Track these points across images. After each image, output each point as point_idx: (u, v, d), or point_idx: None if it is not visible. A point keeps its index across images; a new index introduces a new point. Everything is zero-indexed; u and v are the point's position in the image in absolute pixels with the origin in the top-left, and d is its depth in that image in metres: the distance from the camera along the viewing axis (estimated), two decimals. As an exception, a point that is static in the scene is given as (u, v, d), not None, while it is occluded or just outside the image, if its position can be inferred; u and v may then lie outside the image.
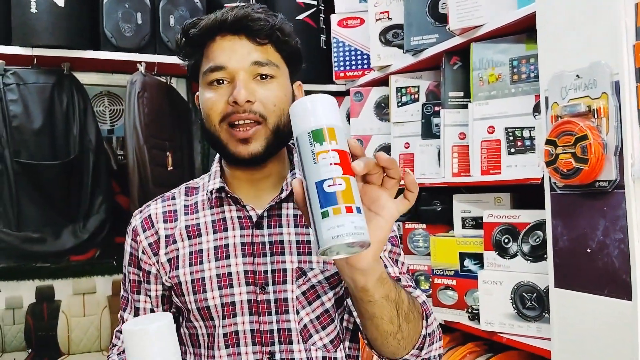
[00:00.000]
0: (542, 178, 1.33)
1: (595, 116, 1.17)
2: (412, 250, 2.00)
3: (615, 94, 1.14)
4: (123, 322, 1.05)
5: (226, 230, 0.99)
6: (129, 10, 2.14)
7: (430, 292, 1.78)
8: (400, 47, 1.98)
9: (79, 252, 2.21)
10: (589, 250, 1.20)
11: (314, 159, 0.70)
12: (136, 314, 1.04)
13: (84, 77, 2.23)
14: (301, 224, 1.00)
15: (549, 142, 1.24)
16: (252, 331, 0.96)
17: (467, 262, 1.68)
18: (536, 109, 1.50)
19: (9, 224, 2.00)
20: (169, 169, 2.17)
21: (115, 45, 2.14)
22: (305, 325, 0.97)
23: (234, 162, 0.99)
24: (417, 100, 2.02)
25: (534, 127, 1.52)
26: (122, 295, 1.08)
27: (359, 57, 2.30)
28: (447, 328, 1.73)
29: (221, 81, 0.95)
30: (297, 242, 0.98)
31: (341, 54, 2.32)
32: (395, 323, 0.85)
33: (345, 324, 1.04)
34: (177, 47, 1.01)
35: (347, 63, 2.32)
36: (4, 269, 2.16)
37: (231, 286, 0.96)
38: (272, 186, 1.02)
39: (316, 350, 0.97)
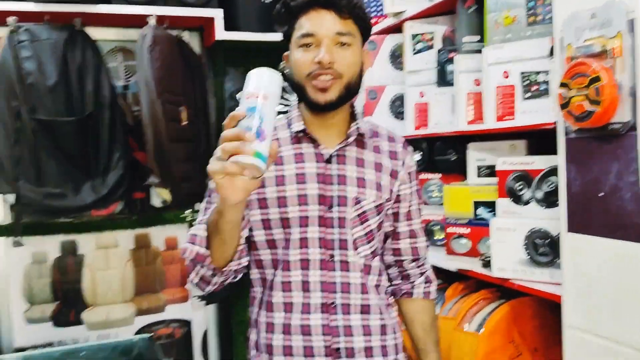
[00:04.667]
0: (556, 123, 1.30)
1: (610, 56, 1.13)
2: (426, 201, 2.00)
3: (631, 33, 1.09)
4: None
5: (304, 162, 1.25)
6: (138, -37, 2.11)
7: (445, 241, 1.78)
8: (414, -9, 1.93)
9: (99, 207, 2.25)
10: (601, 194, 1.18)
11: None
12: None
13: (96, 33, 2.23)
14: (360, 165, 1.27)
15: (562, 84, 1.21)
16: (319, 239, 1.23)
17: (481, 211, 1.67)
18: (552, 52, 1.46)
19: (30, 180, 2.03)
20: (183, 124, 2.18)
21: (126, -2, 2.12)
22: (356, 239, 1.25)
23: (312, 107, 1.23)
24: (432, 47, 1.98)
25: (549, 71, 1.48)
26: (206, 208, 1.24)
27: (372, 3, 2.24)
28: (460, 276, 1.74)
29: (310, 45, 1.18)
30: (357, 178, 1.26)
31: (354, 2, 2.26)
32: None
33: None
34: (276, 14, 1.24)
35: (361, 11, 2.27)
36: (29, 224, 2.22)
37: (307, 204, 1.23)
38: (337, 132, 1.27)
39: (360, 257, 1.26)
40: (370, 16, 1.27)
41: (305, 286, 1.23)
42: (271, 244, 1.26)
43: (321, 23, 1.18)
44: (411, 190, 1.36)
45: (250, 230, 1.27)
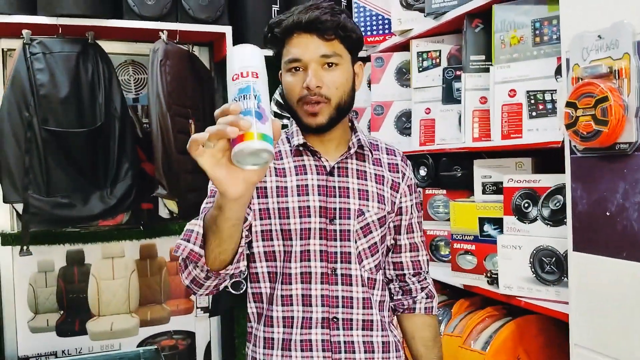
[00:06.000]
0: (563, 141, 1.32)
1: (617, 77, 1.15)
2: (432, 216, 2.01)
3: (638, 55, 1.11)
4: None
5: (306, 174, 1.25)
6: (150, -22, 2.15)
7: (450, 257, 1.79)
8: (422, 10, 1.95)
9: (107, 217, 2.26)
10: (608, 214, 1.19)
11: None
12: None
13: (108, 46, 2.26)
14: (361, 177, 1.28)
15: (569, 104, 1.22)
16: (321, 251, 1.23)
17: (487, 227, 1.69)
18: (558, 72, 1.48)
19: (39, 189, 2.05)
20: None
21: (138, 13, 2.15)
22: (359, 252, 1.26)
23: (305, 130, 1.26)
24: (438, 65, 2.00)
25: (555, 90, 1.50)
26: (204, 208, 1.18)
27: (380, 21, 2.27)
28: (466, 292, 1.75)
29: (298, 68, 1.21)
30: (359, 190, 1.27)
31: (362, 19, 2.30)
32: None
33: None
34: (264, 39, 1.27)
35: (369, 28, 2.30)
36: (36, 233, 2.23)
37: (309, 216, 1.23)
38: (336, 145, 1.29)
39: (364, 271, 1.26)
40: (357, 30, 1.25)
41: (306, 300, 1.23)
42: (270, 256, 1.25)
43: (305, 48, 1.20)
44: (412, 202, 1.37)
45: (249, 242, 1.25)
